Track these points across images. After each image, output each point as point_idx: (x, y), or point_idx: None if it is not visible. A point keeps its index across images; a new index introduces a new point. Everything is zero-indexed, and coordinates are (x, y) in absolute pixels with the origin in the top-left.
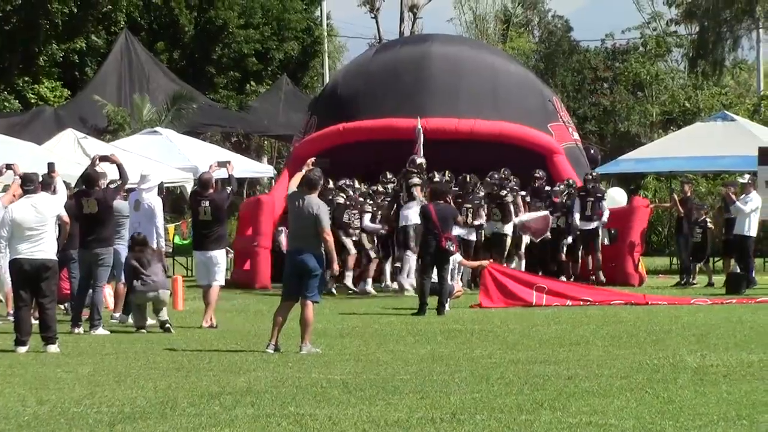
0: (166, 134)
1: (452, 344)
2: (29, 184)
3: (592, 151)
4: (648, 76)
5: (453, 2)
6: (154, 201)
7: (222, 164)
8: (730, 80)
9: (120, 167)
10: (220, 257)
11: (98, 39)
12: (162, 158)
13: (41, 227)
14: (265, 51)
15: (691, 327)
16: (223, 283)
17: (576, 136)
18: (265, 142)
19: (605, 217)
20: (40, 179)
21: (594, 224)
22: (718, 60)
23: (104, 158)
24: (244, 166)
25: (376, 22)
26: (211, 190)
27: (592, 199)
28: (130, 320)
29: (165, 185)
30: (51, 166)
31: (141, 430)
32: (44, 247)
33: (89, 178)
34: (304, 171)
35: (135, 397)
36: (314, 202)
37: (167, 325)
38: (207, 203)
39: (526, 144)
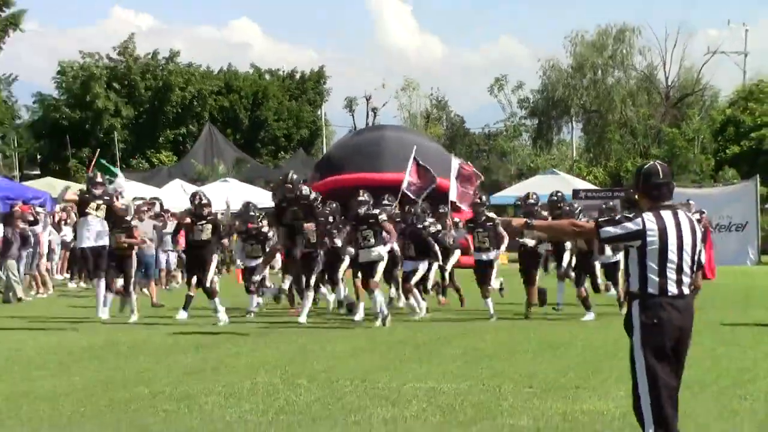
0: (232, 182)
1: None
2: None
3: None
4: (509, 149)
5: (397, 106)
6: None
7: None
8: (556, 151)
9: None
10: None
11: (193, 127)
12: (231, 198)
13: None
14: (289, 134)
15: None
16: None
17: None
18: None
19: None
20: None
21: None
22: (549, 140)
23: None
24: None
25: (353, 116)
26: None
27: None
28: None
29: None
30: (160, 201)
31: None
32: None
33: None
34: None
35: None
36: None
37: None
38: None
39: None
